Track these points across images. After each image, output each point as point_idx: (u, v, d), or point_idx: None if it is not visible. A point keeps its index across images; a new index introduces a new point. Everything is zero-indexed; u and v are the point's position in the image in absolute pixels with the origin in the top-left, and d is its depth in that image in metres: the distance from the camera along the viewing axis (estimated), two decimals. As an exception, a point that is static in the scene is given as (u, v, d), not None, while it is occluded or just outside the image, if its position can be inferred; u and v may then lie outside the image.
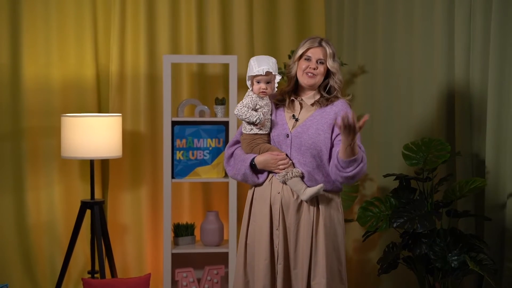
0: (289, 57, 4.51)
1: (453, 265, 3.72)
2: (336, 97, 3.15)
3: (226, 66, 4.70)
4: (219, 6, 4.76)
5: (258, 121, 3.09)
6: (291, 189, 3.09)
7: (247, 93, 3.16)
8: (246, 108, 3.10)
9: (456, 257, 3.73)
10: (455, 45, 4.09)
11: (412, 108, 4.36)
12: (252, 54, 4.76)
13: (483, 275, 3.76)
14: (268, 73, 3.10)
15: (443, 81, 4.16)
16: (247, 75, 3.14)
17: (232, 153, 3.25)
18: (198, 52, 4.73)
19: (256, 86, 3.12)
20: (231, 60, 4.31)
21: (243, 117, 3.10)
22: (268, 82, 3.11)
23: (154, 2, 4.70)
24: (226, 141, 4.35)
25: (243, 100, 3.13)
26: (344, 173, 2.98)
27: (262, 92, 3.11)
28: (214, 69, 4.78)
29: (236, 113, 3.11)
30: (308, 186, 3.05)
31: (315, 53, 3.11)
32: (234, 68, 4.29)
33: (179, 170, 4.33)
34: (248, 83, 3.15)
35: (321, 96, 3.15)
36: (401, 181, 4.05)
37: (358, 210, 4.05)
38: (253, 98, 3.11)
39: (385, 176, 4.16)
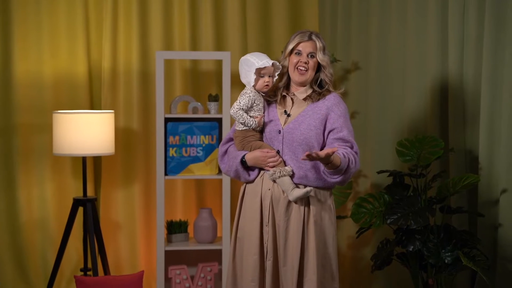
0: (282, 53, 4.49)
1: (446, 261, 3.73)
2: (328, 91, 3.15)
3: (219, 63, 4.69)
4: (212, 2, 4.74)
5: (253, 126, 3.10)
6: None
7: (244, 91, 3.13)
8: (241, 111, 3.09)
9: (449, 253, 3.74)
10: (448, 41, 4.09)
11: (406, 105, 4.36)
12: (245, 50, 4.75)
13: (476, 271, 3.77)
14: (273, 65, 3.10)
15: (436, 77, 4.16)
16: (253, 68, 3.07)
17: (226, 150, 3.25)
18: (191, 48, 4.71)
19: (260, 81, 3.10)
20: (225, 56, 4.30)
21: (239, 120, 3.10)
22: (269, 76, 3.11)
23: (147, -2, 4.69)
24: (220, 137, 4.34)
25: (240, 101, 3.10)
26: (332, 179, 3.03)
27: (265, 86, 3.11)
28: (207, 66, 4.77)
29: (232, 114, 3.10)
30: (296, 186, 3.05)
31: (306, 47, 3.10)
32: (227, 64, 4.28)
33: (172, 167, 4.31)
34: (251, 78, 3.09)
35: (313, 91, 3.15)
36: (394, 177, 4.05)
37: (351, 206, 4.04)
38: (251, 97, 3.09)
39: (378, 172, 4.16)
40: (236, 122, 3.16)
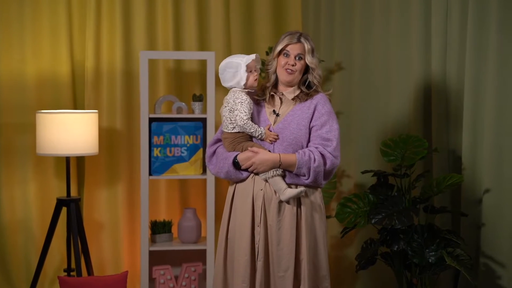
0: (267, 53, 4.51)
1: (430, 261, 3.75)
2: (316, 91, 3.17)
3: (202, 63, 4.68)
4: (196, 2, 4.74)
5: (260, 136, 3.10)
6: None
7: (239, 98, 3.09)
8: (249, 121, 3.08)
9: (433, 253, 3.76)
10: (431, 41, 4.12)
11: (389, 105, 4.38)
12: (229, 50, 4.75)
13: (459, 270, 3.80)
14: (256, 57, 3.13)
15: (420, 77, 4.18)
16: (242, 66, 3.07)
17: (214, 151, 3.23)
18: (174, 48, 4.70)
19: (251, 77, 3.11)
20: (209, 56, 4.29)
21: (248, 130, 3.09)
22: (254, 70, 3.15)
23: (130, -3, 4.67)
24: (204, 137, 4.33)
25: (243, 108, 3.07)
26: (305, 181, 3.05)
27: (255, 80, 3.13)
28: (191, 66, 4.76)
29: (241, 124, 3.08)
30: (289, 186, 3.06)
31: (294, 49, 3.12)
32: (212, 64, 4.27)
33: (156, 167, 4.30)
34: (243, 77, 3.09)
35: (301, 91, 3.16)
36: (379, 177, 4.07)
37: (336, 206, 4.06)
38: (248, 101, 3.10)
39: (363, 172, 4.17)
40: (224, 122, 3.15)
